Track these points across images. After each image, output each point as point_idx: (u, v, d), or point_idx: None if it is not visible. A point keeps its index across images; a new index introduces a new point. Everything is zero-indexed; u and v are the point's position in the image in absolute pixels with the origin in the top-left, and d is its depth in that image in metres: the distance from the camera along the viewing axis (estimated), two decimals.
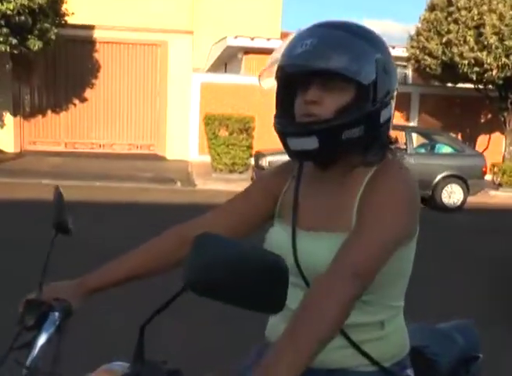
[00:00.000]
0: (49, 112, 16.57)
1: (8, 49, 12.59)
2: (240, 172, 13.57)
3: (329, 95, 1.38)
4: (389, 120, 1.47)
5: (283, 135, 1.44)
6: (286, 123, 1.45)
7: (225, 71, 21.55)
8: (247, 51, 18.00)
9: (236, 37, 17.68)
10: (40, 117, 16.57)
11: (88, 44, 16.38)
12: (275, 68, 1.49)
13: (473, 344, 1.90)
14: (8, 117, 16.14)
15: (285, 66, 1.43)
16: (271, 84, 1.56)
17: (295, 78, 1.44)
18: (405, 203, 1.38)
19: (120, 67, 16.83)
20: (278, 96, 1.52)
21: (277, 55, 1.50)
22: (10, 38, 12.35)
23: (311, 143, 1.38)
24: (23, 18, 12.14)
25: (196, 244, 1.07)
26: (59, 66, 16.41)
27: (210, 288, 1.06)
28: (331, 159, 1.45)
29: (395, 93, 1.49)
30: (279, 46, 1.52)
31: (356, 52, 1.39)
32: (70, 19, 14.59)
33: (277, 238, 1.53)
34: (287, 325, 1.16)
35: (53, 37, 13.36)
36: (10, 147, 16.08)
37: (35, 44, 12.87)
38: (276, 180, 1.63)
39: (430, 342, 1.77)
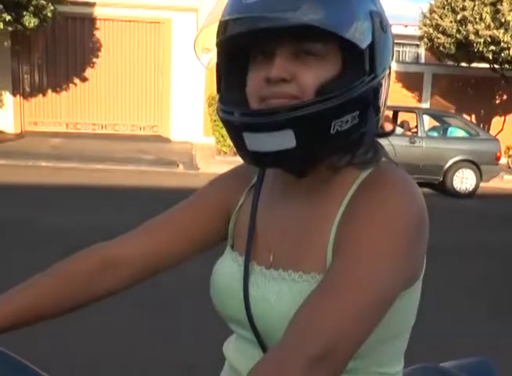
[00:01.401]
0: (50, 92, 16.07)
1: (2, 26, 12.06)
2: None
3: (305, 67, 0.92)
4: (385, 102, 1.01)
5: (236, 128, 0.95)
6: (239, 110, 0.95)
7: None
8: None
9: None
10: (40, 96, 16.06)
11: (89, 21, 15.80)
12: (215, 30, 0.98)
13: None
14: (7, 97, 15.66)
15: (231, 23, 0.92)
16: (213, 57, 1.03)
17: (247, 42, 0.95)
18: (410, 231, 0.90)
19: (122, 46, 16.24)
20: (220, 70, 1.02)
21: (219, 8, 0.96)
22: (4, 15, 11.82)
23: (284, 141, 0.90)
24: None
25: None
26: (59, 45, 15.87)
27: None
28: (311, 163, 0.98)
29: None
30: None
31: None
32: None
33: (225, 275, 1.10)
34: None
35: (49, 14, 12.86)
36: (10, 128, 15.64)
37: (31, 21, 12.34)
38: (230, 190, 1.17)
39: None
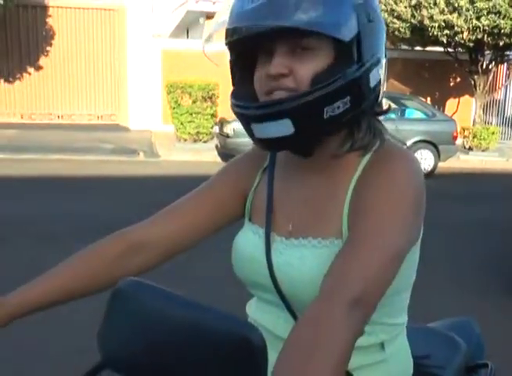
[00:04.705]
0: (2, 82, 15.73)
1: None
2: (205, 142, 13.10)
3: (301, 62, 1.03)
4: (379, 84, 1.10)
5: (245, 119, 1.09)
6: (247, 104, 1.08)
7: (187, 37, 20.95)
8: (210, 15, 17.36)
9: (197, 1, 17.06)
10: None
11: (41, 9, 15.48)
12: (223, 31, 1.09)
13: (477, 347, 1.61)
14: None
15: (235, 29, 1.05)
16: (216, 48, 1.16)
17: (252, 44, 1.07)
18: (415, 199, 1.04)
19: (76, 34, 15.98)
20: (232, 69, 1.15)
21: (224, 13, 1.09)
22: None
23: (284, 129, 1.03)
24: None
25: (116, 298, 0.67)
26: (11, 33, 15.52)
27: (138, 369, 0.65)
28: (312, 146, 1.11)
29: (385, 47, 1.11)
30: (225, 1, 1.09)
31: None
32: None
33: (247, 245, 1.21)
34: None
35: (1, 1, 12.56)
36: None
37: None
38: (244, 172, 1.30)
39: (430, 350, 1.47)
